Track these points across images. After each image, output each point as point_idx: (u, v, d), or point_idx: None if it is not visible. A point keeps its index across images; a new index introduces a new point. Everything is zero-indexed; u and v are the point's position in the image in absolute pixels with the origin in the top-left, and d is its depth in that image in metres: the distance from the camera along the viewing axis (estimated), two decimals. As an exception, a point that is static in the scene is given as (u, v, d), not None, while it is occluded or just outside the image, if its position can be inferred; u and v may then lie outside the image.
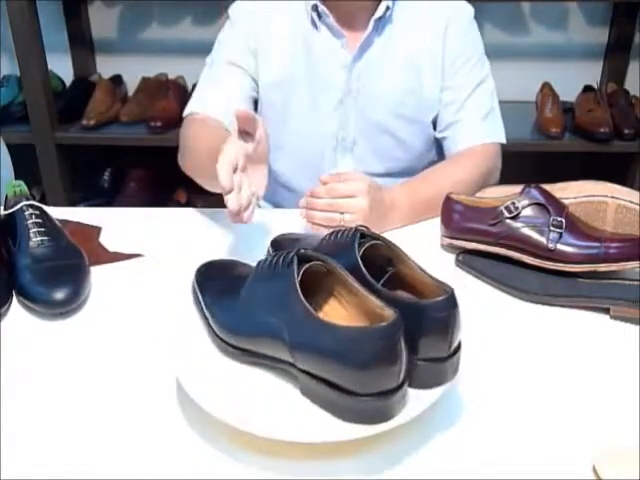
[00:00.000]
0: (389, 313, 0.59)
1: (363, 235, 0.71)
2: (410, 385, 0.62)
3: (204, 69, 1.27)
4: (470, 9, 1.25)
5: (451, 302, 0.62)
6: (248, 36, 1.22)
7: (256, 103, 1.27)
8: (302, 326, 0.61)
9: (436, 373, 0.64)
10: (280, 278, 0.64)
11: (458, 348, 0.65)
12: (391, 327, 0.58)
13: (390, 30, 1.21)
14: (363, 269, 0.66)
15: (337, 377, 0.60)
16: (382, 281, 0.69)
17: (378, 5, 1.18)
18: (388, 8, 1.18)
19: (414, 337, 0.62)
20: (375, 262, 0.69)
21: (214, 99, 1.21)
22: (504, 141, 1.25)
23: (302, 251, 0.65)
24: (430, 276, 0.66)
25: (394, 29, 1.21)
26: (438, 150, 1.31)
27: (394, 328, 0.58)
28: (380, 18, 1.18)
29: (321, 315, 0.64)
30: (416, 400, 0.63)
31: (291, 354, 0.63)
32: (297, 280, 0.63)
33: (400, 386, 0.60)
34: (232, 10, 1.25)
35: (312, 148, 1.26)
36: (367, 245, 0.69)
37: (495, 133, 1.24)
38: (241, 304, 0.69)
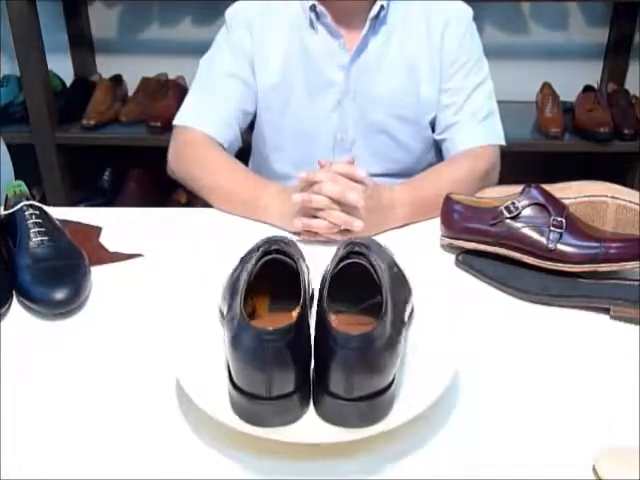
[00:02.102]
0: (287, 323, 0.59)
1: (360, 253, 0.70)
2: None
3: (199, 72, 1.27)
4: (469, 11, 1.25)
5: (356, 342, 0.57)
6: (244, 44, 1.22)
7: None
8: (232, 318, 0.62)
9: (335, 410, 0.60)
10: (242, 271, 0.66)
11: (367, 397, 0.59)
12: (261, 334, 0.57)
13: (386, 31, 1.21)
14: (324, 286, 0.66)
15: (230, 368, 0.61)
16: (364, 304, 0.68)
17: (374, 5, 1.18)
18: (382, 8, 1.18)
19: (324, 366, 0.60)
20: (369, 284, 0.68)
21: (211, 116, 1.21)
22: (503, 142, 1.25)
23: (271, 248, 0.67)
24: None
25: (391, 30, 1.21)
26: (437, 152, 1.31)
27: (265, 336, 0.57)
28: (375, 17, 1.18)
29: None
30: (416, 400, 0.63)
31: None
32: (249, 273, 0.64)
33: (271, 397, 0.58)
34: (228, 14, 1.25)
35: (311, 149, 1.26)
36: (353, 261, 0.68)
37: (494, 135, 1.24)
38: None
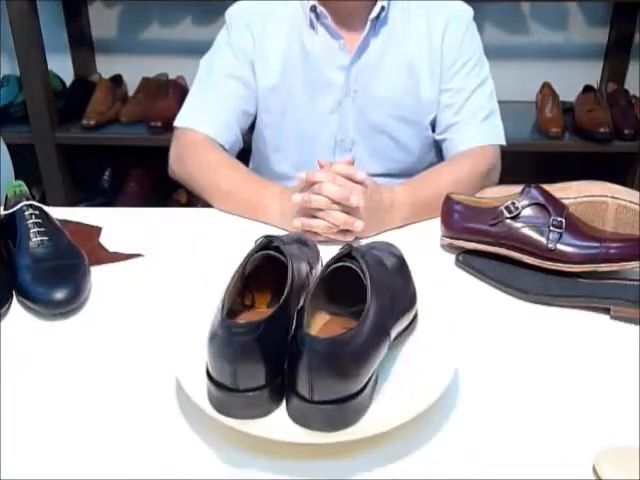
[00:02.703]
0: (258, 319, 0.60)
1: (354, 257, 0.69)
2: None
3: (199, 72, 1.27)
4: (469, 11, 1.24)
5: (322, 345, 0.58)
6: (245, 44, 1.22)
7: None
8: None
9: (299, 411, 0.60)
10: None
11: (332, 401, 0.59)
12: (231, 327, 0.59)
13: (387, 32, 1.21)
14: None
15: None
16: (355, 309, 0.68)
17: (374, 5, 1.18)
18: (383, 8, 1.18)
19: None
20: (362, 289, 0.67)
21: (212, 117, 1.21)
22: (503, 142, 1.25)
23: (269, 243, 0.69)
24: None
25: (391, 31, 1.21)
26: (437, 152, 1.31)
27: (234, 329, 0.58)
28: (376, 18, 1.18)
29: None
30: (416, 400, 0.63)
31: None
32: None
33: (238, 389, 0.59)
34: (229, 15, 1.25)
35: (311, 149, 1.26)
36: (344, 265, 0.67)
37: (494, 135, 1.24)
38: None
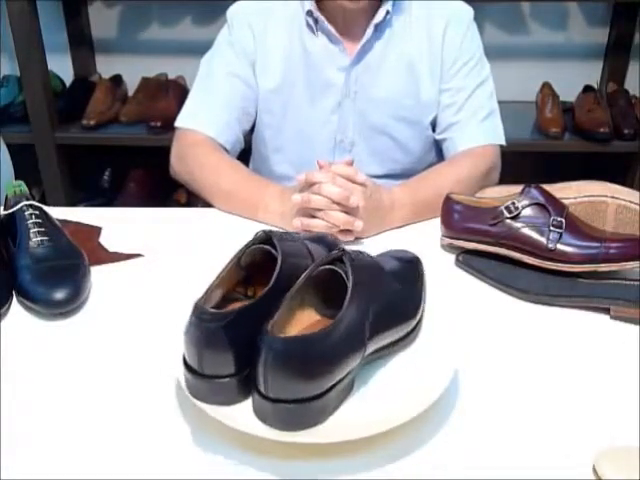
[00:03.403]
0: (229, 309, 0.61)
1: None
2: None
3: (200, 72, 1.26)
4: (469, 11, 1.24)
5: (278, 344, 0.58)
6: (246, 43, 1.22)
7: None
8: None
9: (257, 406, 0.60)
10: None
11: (287, 401, 0.59)
12: (200, 313, 0.60)
13: (389, 33, 1.21)
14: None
15: None
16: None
17: (377, 10, 1.18)
18: (388, 12, 1.18)
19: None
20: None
21: (213, 118, 1.21)
22: (503, 142, 1.25)
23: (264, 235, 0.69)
24: None
25: (392, 32, 1.21)
26: (437, 152, 1.31)
27: (202, 315, 0.60)
28: (380, 23, 1.18)
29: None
30: (416, 400, 0.63)
31: None
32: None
33: (204, 374, 0.61)
34: (230, 14, 1.25)
35: (311, 150, 1.26)
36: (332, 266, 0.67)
37: (494, 135, 1.24)
38: None
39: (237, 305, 0.69)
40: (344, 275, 0.64)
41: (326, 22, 1.18)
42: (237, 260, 0.69)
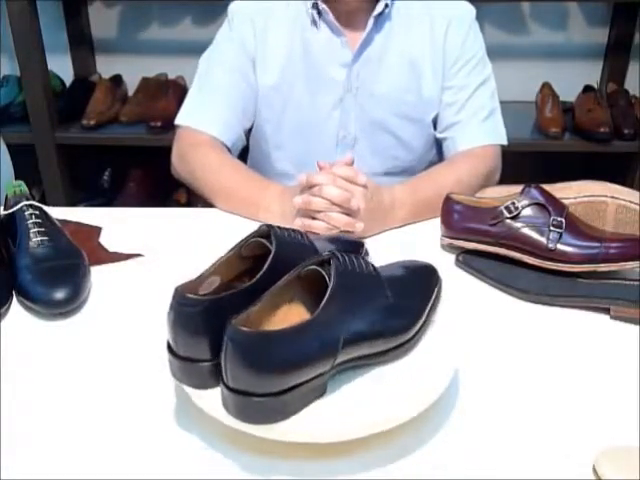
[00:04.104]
0: (207, 296, 0.62)
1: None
2: None
3: (199, 70, 1.26)
4: (472, 10, 1.25)
5: (238, 335, 0.57)
6: (247, 39, 1.22)
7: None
8: None
9: (222, 394, 0.61)
10: None
11: (242, 393, 0.58)
12: (178, 296, 0.62)
13: (390, 28, 1.21)
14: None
15: None
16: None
17: (377, 3, 1.18)
18: (387, 5, 1.18)
19: None
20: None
21: (213, 116, 1.21)
22: (505, 142, 1.25)
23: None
24: None
25: (394, 27, 1.21)
26: (438, 150, 1.31)
27: (179, 299, 0.61)
28: (379, 15, 1.19)
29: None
30: (416, 400, 0.63)
31: None
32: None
33: (179, 355, 0.62)
34: (231, 10, 1.25)
35: (312, 147, 1.26)
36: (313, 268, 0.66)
37: (495, 135, 1.24)
38: None
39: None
40: (327, 278, 0.64)
41: (330, 13, 1.19)
42: (238, 250, 0.69)
